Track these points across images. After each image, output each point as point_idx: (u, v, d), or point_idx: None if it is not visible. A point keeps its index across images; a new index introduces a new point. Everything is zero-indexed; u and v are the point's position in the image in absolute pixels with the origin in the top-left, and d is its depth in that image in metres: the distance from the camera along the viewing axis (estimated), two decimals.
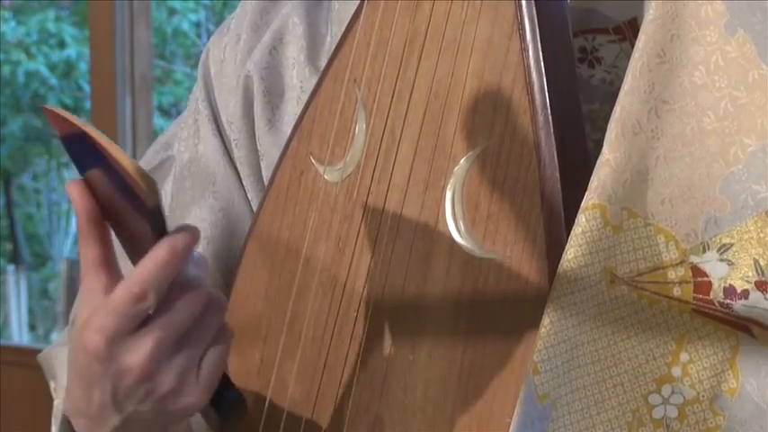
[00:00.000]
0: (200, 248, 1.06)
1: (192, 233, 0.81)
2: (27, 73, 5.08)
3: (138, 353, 0.82)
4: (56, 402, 1.06)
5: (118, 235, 0.86)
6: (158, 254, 0.80)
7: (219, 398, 0.90)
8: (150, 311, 0.82)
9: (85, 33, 4.84)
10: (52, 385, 1.08)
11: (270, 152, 1.04)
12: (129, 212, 0.83)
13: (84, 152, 0.84)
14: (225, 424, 0.98)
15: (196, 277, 0.83)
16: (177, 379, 0.84)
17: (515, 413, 0.84)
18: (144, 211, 0.81)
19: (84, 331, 0.83)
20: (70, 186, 0.84)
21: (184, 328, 0.83)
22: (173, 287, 0.82)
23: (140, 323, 0.82)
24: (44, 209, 5.43)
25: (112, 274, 0.85)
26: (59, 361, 1.08)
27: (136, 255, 0.84)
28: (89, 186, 0.85)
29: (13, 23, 5.19)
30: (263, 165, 1.06)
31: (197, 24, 5.40)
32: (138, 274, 0.81)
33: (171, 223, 1.09)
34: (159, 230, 0.81)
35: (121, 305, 0.81)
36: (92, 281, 0.84)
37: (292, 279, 0.97)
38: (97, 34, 3.36)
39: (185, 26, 5.32)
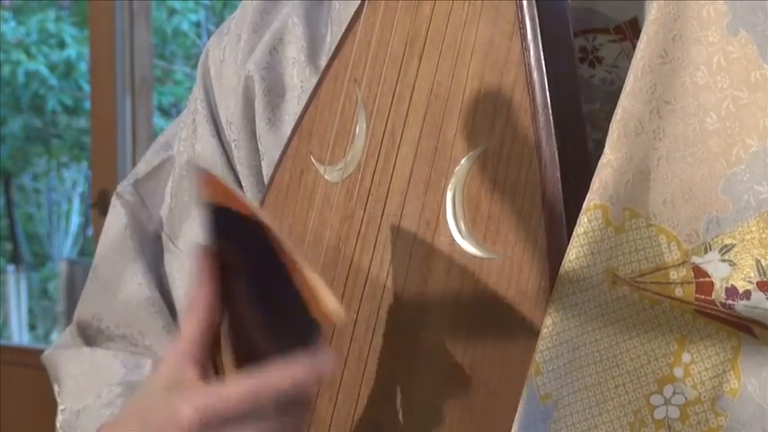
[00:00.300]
0: None
1: (334, 361, 0.78)
2: (27, 73, 5.08)
3: None
4: (60, 408, 1.05)
5: (229, 310, 0.83)
6: (298, 371, 0.77)
7: None
8: None
9: (85, 33, 4.84)
10: (56, 388, 1.08)
11: (271, 152, 1.04)
12: (252, 301, 0.81)
13: (228, 226, 0.81)
14: None
15: (313, 396, 0.82)
16: None
17: (518, 413, 0.84)
18: (293, 316, 0.78)
19: (177, 399, 0.80)
20: (201, 252, 0.82)
21: None
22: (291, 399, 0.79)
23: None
24: (44, 209, 5.43)
25: (208, 350, 0.82)
26: (64, 364, 1.08)
27: (240, 340, 0.82)
28: (218, 259, 0.82)
29: (13, 23, 5.19)
30: (263, 164, 1.06)
31: (197, 24, 5.40)
32: (268, 380, 0.78)
33: (171, 223, 1.09)
34: (306, 342, 0.78)
35: (235, 398, 0.78)
36: (186, 349, 0.82)
37: None
38: (97, 34, 3.36)
39: (185, 26, 5.32)
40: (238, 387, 0.78)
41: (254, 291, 0.81)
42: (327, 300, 0.76)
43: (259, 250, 0.79)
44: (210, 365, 0.82)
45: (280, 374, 0.77)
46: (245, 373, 0.79)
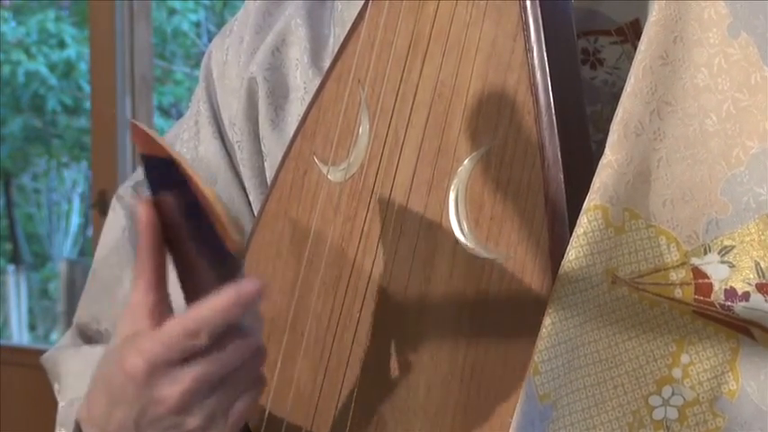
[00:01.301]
0: None
1: (260, 287, 0.80)
2: (27, 73, 5.07)
3: (176, 386, 0.82)
4: (61, 405, 1.05)
5: (174, 258, 0.86)
6: (223, 299, 0.80)
7: None
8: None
9: (85, 33, 4.83)
10: (56, 387, 1.08)
11: (274, 152, 1.05)
12: (193, 244, 0.83)
13: (161, 175, 0.83)
14: None
15: (250, 326, 0.83)
16: (206, 419, 0.83)
17: (516, 413, 0.84)
18: (215, 251, 0.81)
19: (125, 351, 0.83)
20: (140, 204, 0.84)
21: (226, 372, 0.83)
22: (226, 331, 0.82)
23: (187, 357, 0.82)
24: (44, 209, 5.42)
25: (161, 298, 0.84)
26: (64, 363, 1.07)
27: (188, 283, 0.85)
28: (157, 208, 0.84)
29: (13, 23, 5.18)
30: (266, 165, 1.06)
31: (197, 24, 5.38)
32: (198, 312, 0.81)
33: None
34: (231, 275, 0.82)
35: (172, 337, 0.81)
36: (139, 301, 0.84)
37: (295, 279, 0.97)
38: (97, 34, 3.36)
39: (185, 26, 5.30)
40: (173, 327, 0.81)
41: (188, 230, 0.83)
42: (230, 229, 0.80)
43: (180, 185, 0.82)
44: (168, 311, 0.84)
45: (206, 305, 0.80)
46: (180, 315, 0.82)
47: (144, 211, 0.83)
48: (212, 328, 0.80)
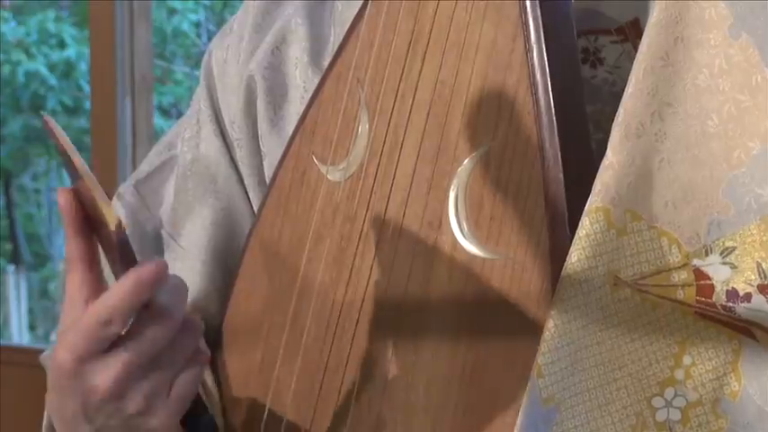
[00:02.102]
0: (203, 247, 1.06)
1: (158, 267, 0.82)
2: (27, 73, 5.07)
3: (105, 374, 0.84)
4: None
5: (100, 242, 0.88)
6: (124, 284, 0.82)
7: (192, 422, 0.92)
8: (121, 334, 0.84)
9: (85, 33, 4.83)
10: None
11: (273, 152, 1.05)
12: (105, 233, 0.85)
13: (71, 166, 0.86)
14: None
15: (168, 304, 0.85)
16: (145, 400, 0.86)
17: (519, 415, 0.84)
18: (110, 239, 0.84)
19: (57, 345, 0.86)
20: (59, 193, 0.87)
21: (154, 353, 0.85)
22: (143, 313, 0.84)
23: (111, 344, 0.84)
24: (44, 209, 5.42)
25: (96, 287, 0.87)
26: None
27: (114, 266, 0.87)
28: (77, 195, 0.87)
29: (13, 23, 5.19)
30: (265, 164, 1.06)
31: (197, 24, 5.39)
32: (106, 300, 0.83)
33: (173, 222, 1.09)
34: (127, 260, 0.84)
35: (89, 328, 0.83)
36: (74, 291, 0.86)
37: (294, 278, 0.97)
38: (97, 34, 3.36)
39: (185, 26, 5.31)
40: (88, 317, 0.83)
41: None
42: (105, 213, 0.83)
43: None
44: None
45: (112, 291, 0.83)
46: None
47: (62, 200, 0.86)
48: (122, 313, 0.83)
